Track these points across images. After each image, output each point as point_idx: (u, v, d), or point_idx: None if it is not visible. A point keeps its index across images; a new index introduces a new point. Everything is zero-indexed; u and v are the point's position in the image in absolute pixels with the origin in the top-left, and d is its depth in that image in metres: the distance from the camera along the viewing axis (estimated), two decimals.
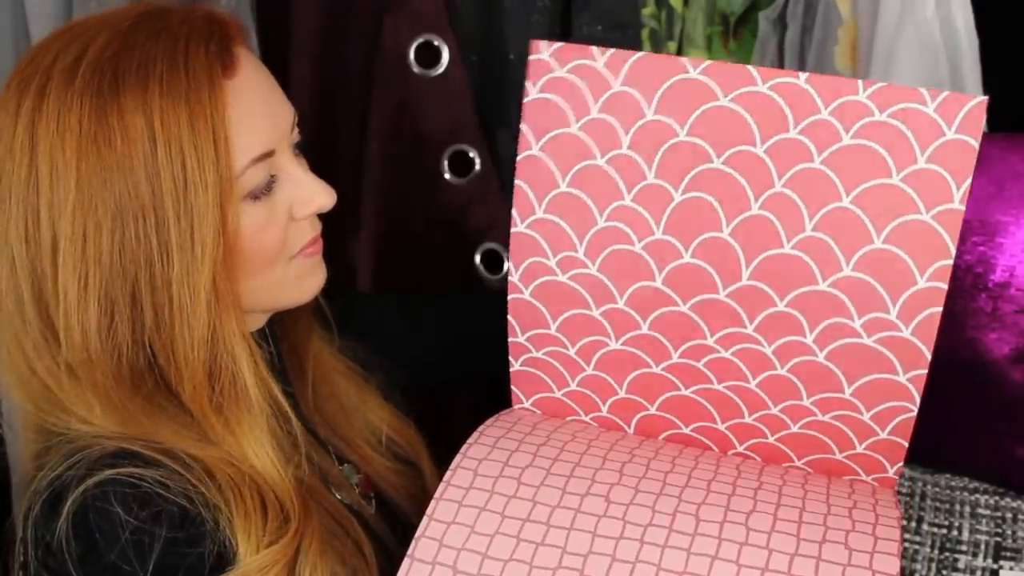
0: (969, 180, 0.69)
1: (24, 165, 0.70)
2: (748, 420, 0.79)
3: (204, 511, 0.70)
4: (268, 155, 0.74)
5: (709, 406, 0.80)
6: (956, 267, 0.99)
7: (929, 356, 0.73)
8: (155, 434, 0.72)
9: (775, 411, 0.78)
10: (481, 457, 0.76)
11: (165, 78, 0.69)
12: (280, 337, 0.87)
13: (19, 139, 0.70)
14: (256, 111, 0.73)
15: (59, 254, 0.70)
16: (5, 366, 0.75)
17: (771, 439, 0.80)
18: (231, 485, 0.71)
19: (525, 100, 0.80)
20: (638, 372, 0.81)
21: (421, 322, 1.04)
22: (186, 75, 0.69)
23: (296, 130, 0.78)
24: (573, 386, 0.84)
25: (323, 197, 0.78)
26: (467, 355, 1.07)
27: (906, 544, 1.02)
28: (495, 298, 1.14)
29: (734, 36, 1.24)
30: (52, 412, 0.74)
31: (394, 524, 0.85)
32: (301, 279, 0.79)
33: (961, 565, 1.02)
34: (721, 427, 0.80)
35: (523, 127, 0.80)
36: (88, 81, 0.69)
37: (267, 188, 0.75)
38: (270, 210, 0.75)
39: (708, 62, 0.76)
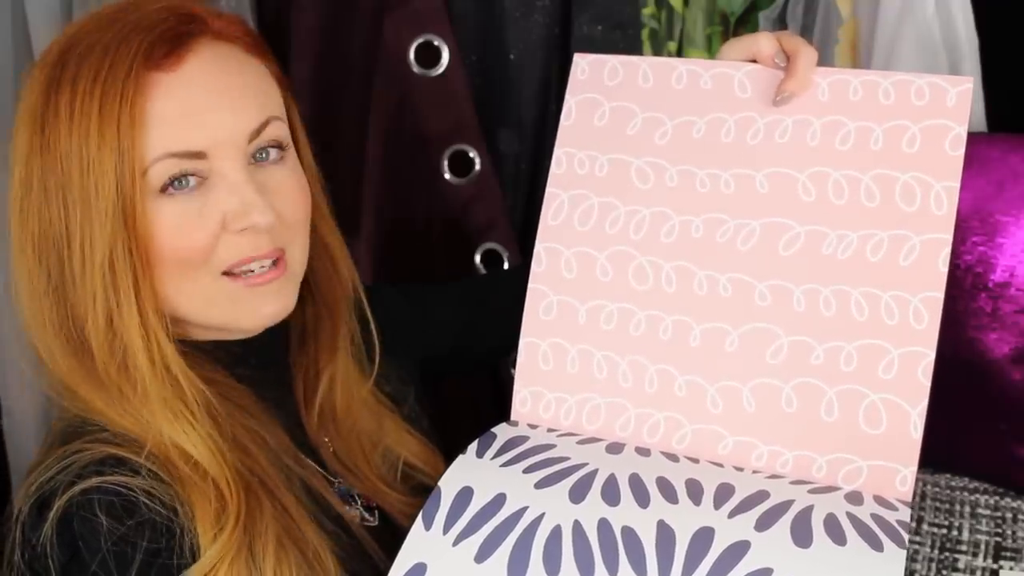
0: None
1: (7, 139, 0.75)
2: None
3: (188, 522, 0.70)
4: (192, 155, 0.72)
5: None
6: (956, 267, 0.99)
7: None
8: (94, 407, 0.74)
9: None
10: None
11: (95, 63, 0.71)
12: (297, 353, 0.87)
13: (16, 115, 0.75)
14: (187, 108, 0.72)
15: (10, 224, 0.75)
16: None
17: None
18: (177, 476, 0.72)
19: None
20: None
21: (428, 310, 1.02)
22: (110, 62, 0.71)
23: (261, 139, 0.75)
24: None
25: (255, 215, 0.73)
26: (473, 345, 1.06)
27: None
28: (500, 287, 1.14)
29: (734, 36, 1.24)
30: (47, 382, 0.77)
31: (396, 543, 0.84)
32: (236, 304, 0.76)
33: (961, 565, 1.02)
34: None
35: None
36: (48, 61, 0.74)
37: (179, 187, 0.73)
38: (196, 211, 0.73)
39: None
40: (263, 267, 0.76)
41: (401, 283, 1.07)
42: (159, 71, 0.72)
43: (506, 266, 1.28)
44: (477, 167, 1.27)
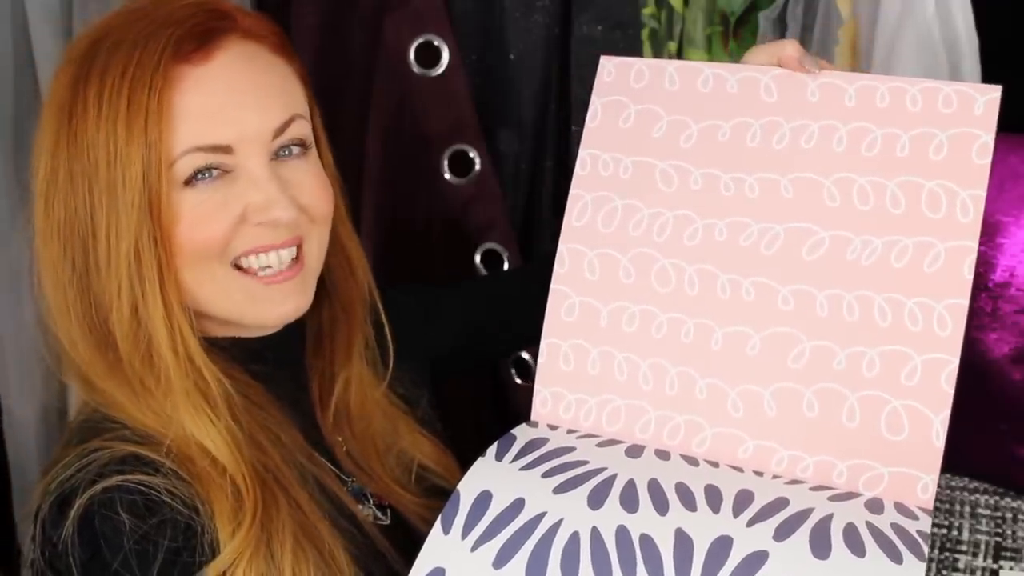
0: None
1: (37, 131, 0.76)
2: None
3: (208, 520, 0.70)
4: (218, 149, 0.73)
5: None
6: None
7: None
8: (117, 401, 0.74)
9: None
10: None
11: (124, 56, 0.72)
12: (313, 353, 0.87)
13: (43, 108, 0.76)
14: (215, 102, 0.73)
15: (35, 214, 0.75)
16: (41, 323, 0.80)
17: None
18: (194, 473, 0.72)
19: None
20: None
21: (439, 309, 1.03)
22: (140, 54, 0.71)
23: (285, 136, 0.76)
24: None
25: (277, 210, 0.75)
26: (474, 346, 1.06)
27: None
28: (504, 289, 1.14)
29: (734, 36, 1.24)
30: (66, 373, 0.78)
31: (413, 544, 0.84)
32: (254, 302, 0.77)
33: (961, 565, 1.01)
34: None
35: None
36: (76, 53, 0.74)
37: (203, 178, 0.74)
38: (218, 203, 0.74)
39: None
40: (281, 263, 0.77)
41: (404, 284, 1.07)
42: (188, 65, 0.73)
43: (506, 266, 1.28)
44: (477, 167, 1.27)
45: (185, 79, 0.72)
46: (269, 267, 0.77)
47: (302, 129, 0.78)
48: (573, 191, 0.85)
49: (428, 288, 1.06)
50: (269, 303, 0.77)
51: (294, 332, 0.84)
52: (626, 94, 0.85)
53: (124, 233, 0.72)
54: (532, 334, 0.87)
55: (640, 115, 0.85)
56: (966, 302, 0.72)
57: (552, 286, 0.85)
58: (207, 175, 0.74)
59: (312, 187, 0.79)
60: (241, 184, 0.74)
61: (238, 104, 0.74)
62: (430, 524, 0.85)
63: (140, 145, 0.71)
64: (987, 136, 0.74)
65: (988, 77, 1.08)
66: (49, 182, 0.74)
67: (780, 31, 1.21)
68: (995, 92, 0.75)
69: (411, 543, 0.78)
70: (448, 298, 1.05)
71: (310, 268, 0.80)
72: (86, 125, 0.72)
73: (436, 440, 0.93)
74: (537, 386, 0.85)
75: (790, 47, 0.81)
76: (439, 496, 0.89)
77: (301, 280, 0.79)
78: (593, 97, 0.86)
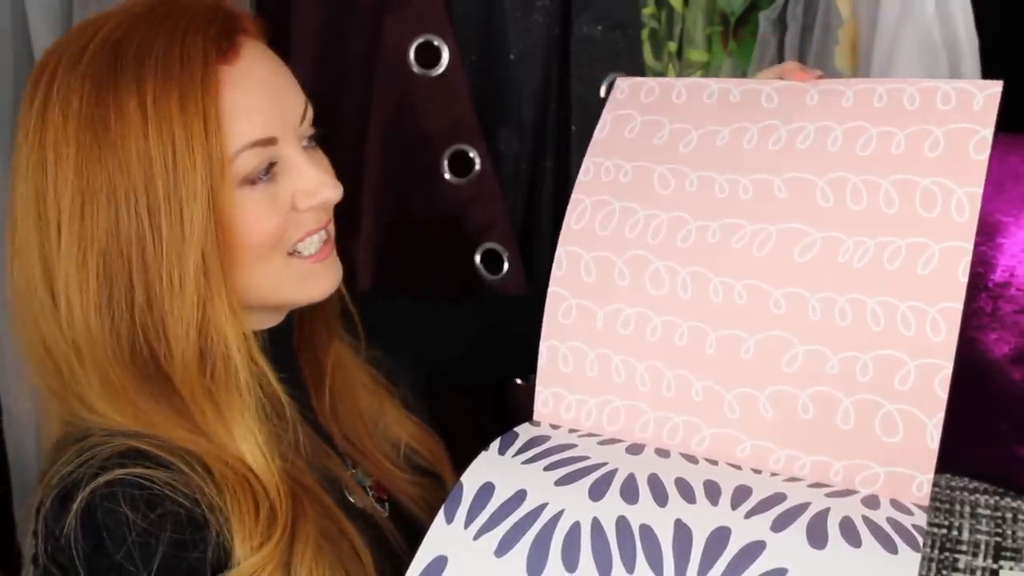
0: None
1: (35, 148, 0.72)
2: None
3: (209, 514, 0.71)
4: (268, 142, 0.74)
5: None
6: None
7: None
8: (150, 422, 0.73)
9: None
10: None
11: (160, 61, 0.70)
12: (298, 340, 0.88)
13: (33, 122, 0.73)
14: (255, 97, 0.74)
15: (61, 234, 0.72)
16: (24, 347, 0.77)
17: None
18: (226, 484, 0.72)
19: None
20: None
21: (439, 324, 1.04)
22: (180, 58, 0.71)
23: (307, 122, 0.79)
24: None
25: (327, 191, 0.78)
26: (484, 359, 1.07)
27: None
28: (513, 302, 1.14)
29: (734, 36, 1.24)
30: (64, 397, 0.76)
31: (409, 531, 0.85)
32: (305, 281, 0.79)
33: (961, 565, 1.02)
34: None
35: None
36: (89, 64, 0.71)
37: (265, 174, 0.75)
38: (270, 198, 0.75)
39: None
40: (321, 241, 0.80)
41: (419, 301, 1.08)
42: (225, 64, 0.73)
43: (506, 266, 1.29)
44: (477, 167, 1.27)
45: (227, 78, 0.73)
46: (311, 247, 0.79)
47: (312, 115, 0.80)
48: (574, 196, 0.86)
49: (431, 300, 1.07)
50: (317, 280, 0.80)
51: (289, 323, 0.86)
52: (635, 108, 0.87)
53: (191, 241, 0.71)
54: (532, 359, 0.87)
55: (645, 125, 0.86)
56: (960, 306, 0.71)
57: (550, 288, 0.85)
58: (262, 174, 0.75)
59: (332, 170, 0.81)
60: (285, 176, 0.76)
61: (273, 96, 0.75)
62: (421, 503, 0.88)
63: (200, 147, 0.70)
64: (985, 131, 0.73)
65: (988, 77, 1.08)
66: (85, 203, 0.71)
67: (780, 31, 1.21)
68: (995, 87, 0.74)
69: (412, 532, 0.80)
70: (449, 308, 1.07)
71: (335, 245, 0.83)
72: (128, 135, 0.70)
73: (422, 424, 0.94)
74: (538, 387, 0.85)
75: (790, 63, 0.84)
76: (427, 475, 0.91)
77: (334, 256, 0.82)
78: (604, 113, 0.88)
